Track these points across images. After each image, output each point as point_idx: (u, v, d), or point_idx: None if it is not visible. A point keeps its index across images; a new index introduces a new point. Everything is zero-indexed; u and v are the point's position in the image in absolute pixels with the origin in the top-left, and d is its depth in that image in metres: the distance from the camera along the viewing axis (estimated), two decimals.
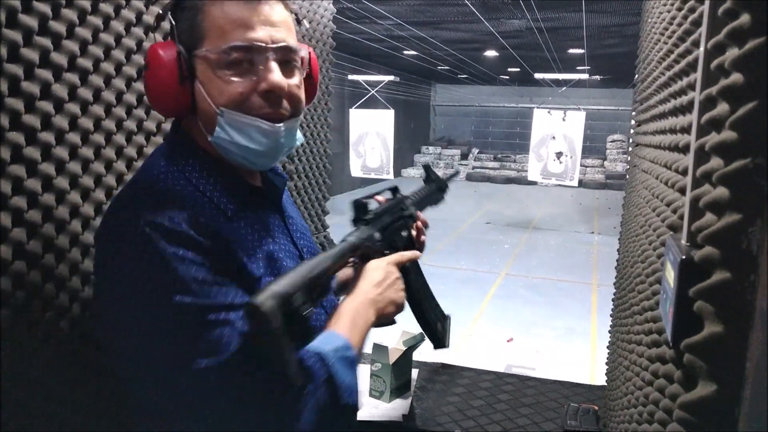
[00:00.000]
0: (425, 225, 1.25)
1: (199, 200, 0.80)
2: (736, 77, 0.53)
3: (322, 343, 0.82)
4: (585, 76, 11.55)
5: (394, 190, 1.20)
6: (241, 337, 0.74)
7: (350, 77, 11.85)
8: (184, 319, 0.71)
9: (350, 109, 8.67)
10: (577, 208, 12.87)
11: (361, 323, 0.88)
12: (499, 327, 5.63)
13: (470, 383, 1.86)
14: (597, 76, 13.00)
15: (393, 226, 1.11)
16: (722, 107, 0.56)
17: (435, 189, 1.39)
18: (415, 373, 1.84)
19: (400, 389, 1.73)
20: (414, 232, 1.20)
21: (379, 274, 0.95)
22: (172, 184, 0.80)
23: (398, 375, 1.71)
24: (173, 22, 0.82)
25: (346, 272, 1.15)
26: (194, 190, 0.81)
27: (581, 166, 16.95)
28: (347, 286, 0.98)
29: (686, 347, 0.57)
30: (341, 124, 10.41)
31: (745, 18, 0.52)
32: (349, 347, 0.83)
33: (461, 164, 18.34)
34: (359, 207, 1.06)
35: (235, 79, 0.79)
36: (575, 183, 9.06)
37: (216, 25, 0.79)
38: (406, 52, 11.51)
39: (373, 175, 8.52)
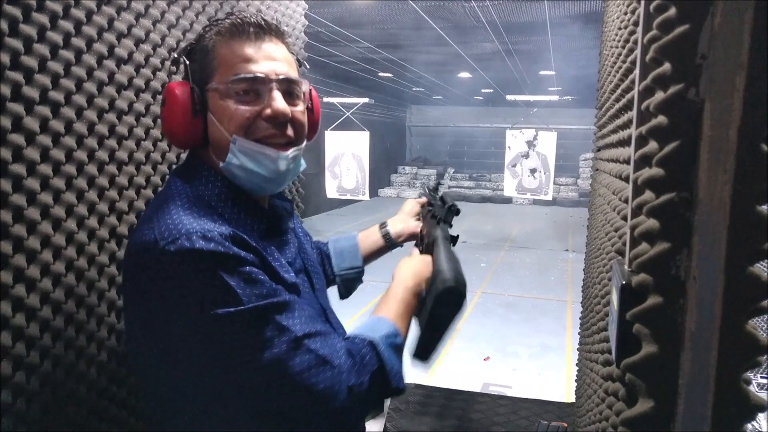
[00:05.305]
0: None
1: (234, 219, 0.86)
2: (661, 119, 0.59)
3: (373, 329, 0.88)
4: (555, 97, 11.82)
5: (435, 189, 1.39)
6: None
7: (325, 99, 11.92)
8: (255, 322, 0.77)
9: (325, 131, 8.69)
10: (551, 225, 13.05)
11: (408, 311, 0.95)
12: (475, 345, 5.66)
13: (444, 403, 1.89)
14: (568, 97, 13.31)
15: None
16: (652, 145, 0.62)
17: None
18: None
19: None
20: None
21: (428, 270, 1.02)
22: (209, 203, 0.86)
23: None
24: (187, 63, 0.90)
25: (409, 226, 1.36)
26: (231, 211, 0.87)
27: (555, 184, 17.30)
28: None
29: (625, 366, 0.61)
30: (317, 146, 10.43)
31: (666, 66, 0.58)
32: (397, 334, 0.90)
33: (438, 183, 18.49)
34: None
35: (242, 106, 0.87)
36: (549, 197, 9.30)
37: (224, 61, 0.87)
38: (381, 74, 11.66)
39: (349, 196, 8.53)
